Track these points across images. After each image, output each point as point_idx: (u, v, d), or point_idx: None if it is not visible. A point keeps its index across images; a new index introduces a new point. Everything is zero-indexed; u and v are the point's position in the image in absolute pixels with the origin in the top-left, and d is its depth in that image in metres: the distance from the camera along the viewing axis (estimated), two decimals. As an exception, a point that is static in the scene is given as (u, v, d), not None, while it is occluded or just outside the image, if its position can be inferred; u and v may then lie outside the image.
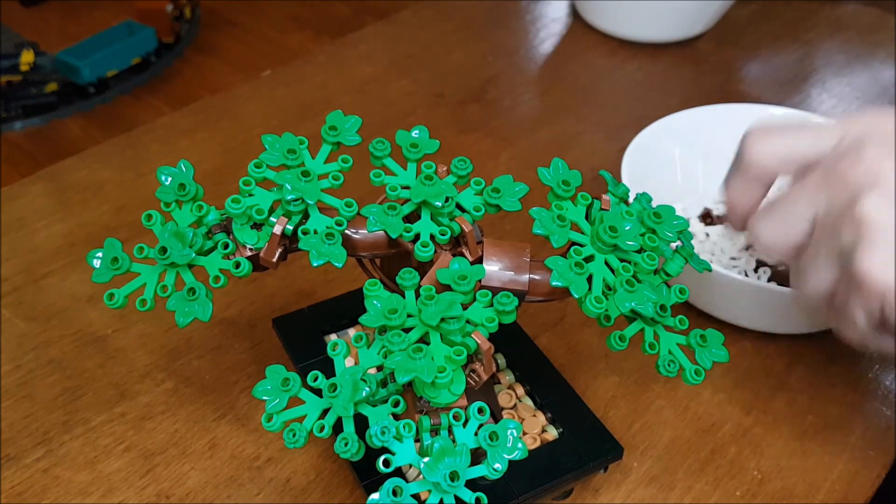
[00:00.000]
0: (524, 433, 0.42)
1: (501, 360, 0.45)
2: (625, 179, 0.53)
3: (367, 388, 0.32)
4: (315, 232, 0.35)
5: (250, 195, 0.36)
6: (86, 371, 0.49)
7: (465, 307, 0.34)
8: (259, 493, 0.43)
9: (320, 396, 0.32)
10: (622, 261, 0.36)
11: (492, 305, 0.34)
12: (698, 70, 0.79)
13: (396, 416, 0.32)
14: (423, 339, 0.33)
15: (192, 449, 0.45)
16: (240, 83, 0.76)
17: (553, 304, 0.54)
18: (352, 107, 0.72)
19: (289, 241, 0.36)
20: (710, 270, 0.40)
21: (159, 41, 1.40)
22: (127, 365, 0.50)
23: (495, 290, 0.35)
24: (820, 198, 0.37)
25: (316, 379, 0.33)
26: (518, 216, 0.60)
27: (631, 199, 0.39)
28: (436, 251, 0.36)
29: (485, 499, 0.31)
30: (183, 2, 1.47)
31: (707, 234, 0.57)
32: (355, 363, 0.33)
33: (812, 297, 0.39)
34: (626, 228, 0.36)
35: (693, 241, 0.47)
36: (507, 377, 0.45)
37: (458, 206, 0.37)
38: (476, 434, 0.32)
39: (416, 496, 0.31)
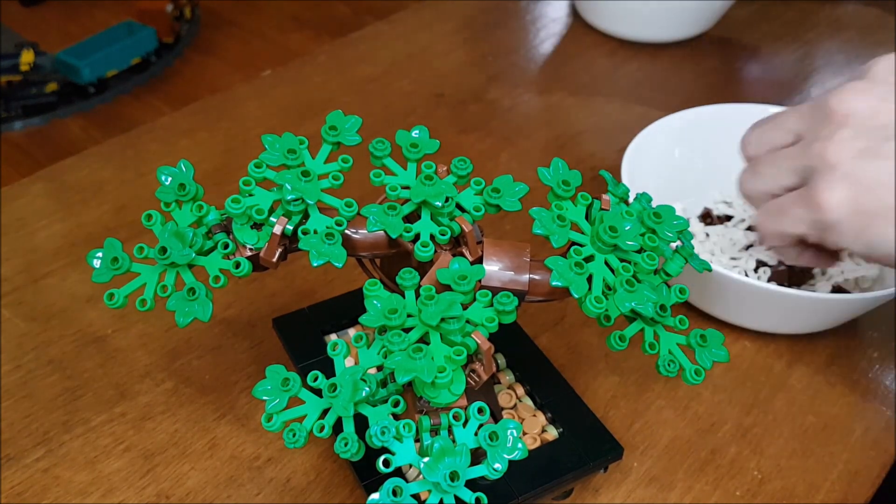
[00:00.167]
0: (524, 433, 0.42)
1: (501, 360, 0.45)
2: (625, 179, 0.53)
3: (367, 388, 0.32)
4: (315, 232, 0.35)
5: (250, 195, 0.36)
6: (86, 371, 0.49)
7: (465, 307, 0.34)
8: (259, 493, 0.43)
9: (320, 396, 0.32)
10: (622, 261, 0.36)
11: (492, 305, 0.34)
12: (698, 70, 0.79)
13: (396, 416, 0.32)
14: (423, 339, 0.33)
15: (192, 449, 0.45)
16: (240, 83, 0.76)
17: (553, 304, 0.54)
18: (352, 107, 0.72)
19: (289, 241, 0.36)
20: (710, 270, 0.40)
21: (159, 41, 1.40)
22: (127, 365, 0.50)
23: (495, 290, 0.35)
24: (804, 121, 0.43)
25: (316, 379, 0.33)
26: (518, 216, 0.60)
27: (631, 199, 0.39)
28: (436, 251, 0.36)
29: (485, 499, 0.31)
30: (183, 2, 1.47)
31: (707, 234, 0.57)
32: (355, 363, 0.33)
33: (758, 191, 0.44)
34: (626, 228, 0.36)
35: (693, 241, 0.47)
36: (507, 377, 0.45)
37: (458, 206, 0.37)
38: (476, 434, 0.32)
39: (416, 496, 0.31)
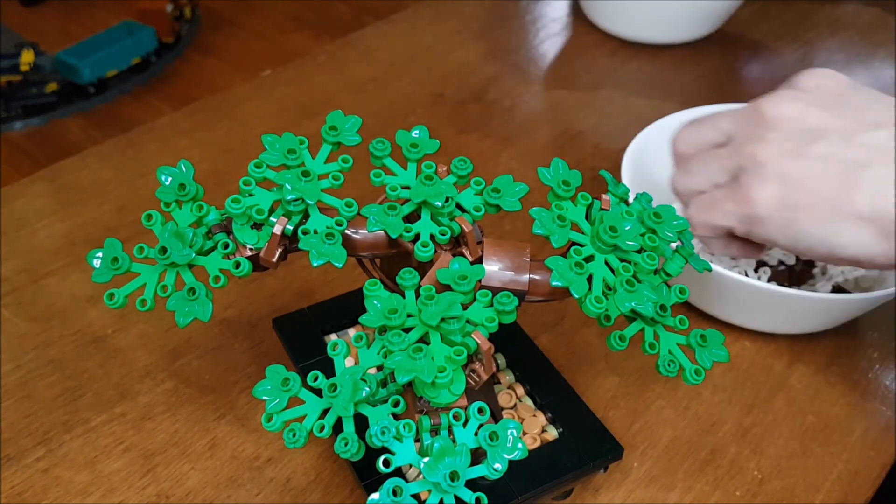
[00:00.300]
0: (524, 433, 0.42)
1: (501, 360, 0.45)
2: (625, 179, 0.53)
3: (367, 388, 0.32)
4: (315, 232, 0.35)
5: (250, 195, 0.36)
6: (86, 371, 0.49)
7: (465, 307, 0.34)
8: (259, 493, 0.43)
9: (320, 396, 0.32)
10: (622, 261, 0.36)
11: (492, 305, 0.34)
12: (698, 70, 0.79)
13: (396, 416, 0.32)
14: (423, 339, 0.33)
15: (192, 449, 0.45)
16: (240, 83, 0.76)
17: (553, 304, 0.54)
18: (352, 107, 0.72)
19: (289, 241, 0.36)
20: (710, 270, 0.40)
21: (159, 41, 1.40)
22: (127, 365, 0.50)
23: (495, 290, 0.35)
24: (737, 124, 0.46)
25: (316, 379, 0.33)
26: (518, 216, 0.60)
27: (631, 199, 0.39)
28: (436, 251, 0.36)
29: (485, 499, 0.31)
30: (183, 2, 1.47)
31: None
32: (355, 363, 0.33)
33: (689, 188, 0.47)
34: (626, 228, 0.36)
35: (693, 241, 0.47)
36: (507, 377, 0.45)
37: (458, 206, 0.37)
38: (476, 434, 0.32)
39: (416, 496, 0.31)
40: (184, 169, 0.37)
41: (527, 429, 0.42)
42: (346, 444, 0.31)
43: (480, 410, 0.32)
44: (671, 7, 0.78)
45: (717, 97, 0.75)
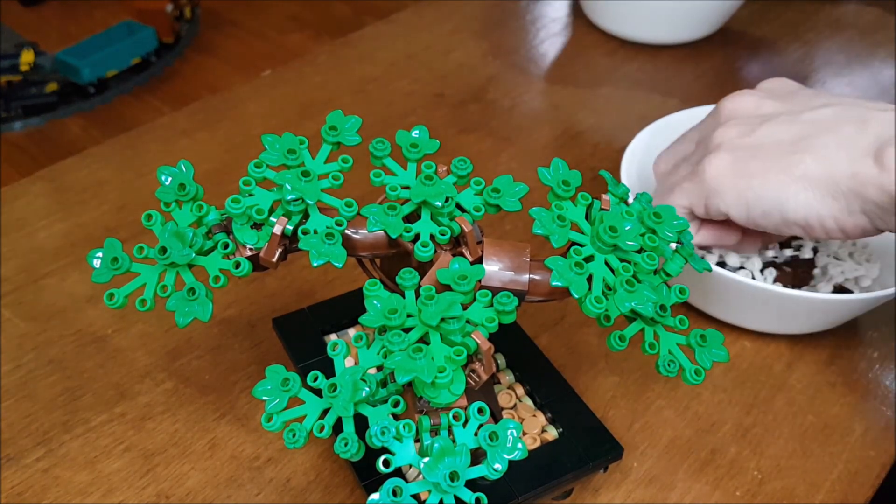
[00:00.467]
0: (524, 433, 0.42)
1: (501, 360, 0.45)
2: (624, 179, 0.53)
3: (367, 388, 0.32)
4: (315, 232, 0.35)
5: (250, 195, 0.36)
6: (86, 371, 0.49)
7: (465, 307, 0.34)
8: (259, 493, 0.43)
9: (320, 396, 0.32)
10: (622, 261, 0.36)
11: (492, 305, 0.34)
12: (698, 70, 0.79)
13: (396, 416, 0.32)
14: (423, 339, 0.33)
15: (192, 449, 0.45)
16: (240, 83, 0.76)
17: (553, 304, 0.54)
18: (352, 107, 0.72)
19: (289, 241, 0.36)
20: (710, 270, 0.40)
21: (159, 41, 1.40)
22: (127, 365, 0.50)
23: (495, 290, 0.35)
24: (702, 129, 0.50)
25: (316, 379, 0.33)
26: (518, 216, 0.60)
27: (631, 199, 0.39)
28: (436, 251, 0.36)
29: (485, 499, 0.31)
30: (183, 2, 1.47)
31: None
32: (355, 363, 0.33)
33: (661, 174, 0.51)
34: (626, 228, 0.36)
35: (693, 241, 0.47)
36: (507, 377, 0.45)
37: (458, 206, 0.37)
38: (476, 434, 0.32)
39: (416, 496, 0.31)
40: (184, 169, 0.37)
41: (527, 429, 0.42)
42: (346, 444, 0.31)
43: (480, 410, 0.32)
44: (671, 7, 0.78)
45: (717, 97, 0.74)
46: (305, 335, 0.46)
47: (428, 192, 0.36)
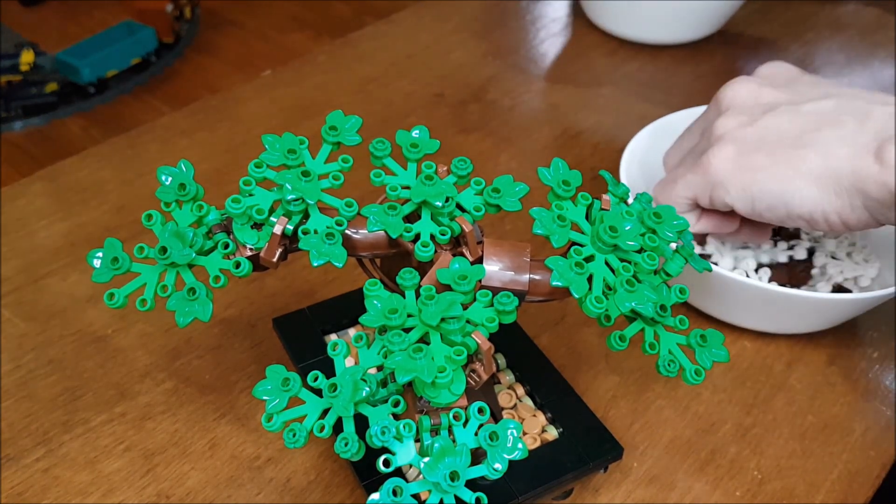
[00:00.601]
0: (524, 433, 0.42)
1: (501, 360, 0.45)
2: (625, 179, 0.53)
3: (367, 388, 0.32)
4: (315, 232, 0.35)
5: (250, 195, 0.36)
6: (86, 371, 0.49)
7: (465, 307, 0.34)
8: (259, 493, 0.43)
9: (320, 396, 0.32)
10: (622, 261, 0.36)
11: (492, 305, 0.34)
12: (698, 70, 0.79)
13: (396, 416, 0.32)
14: (423, 339, 0.33)
15: (192, 449, 0.45)
16: (240, 83, 0.76)
17: (553, 304, 0.54)
18: (352, 107, 0.72)
19: (289, 241, 0.36)
20: (710, 270, 0.40)
21: (159, 41, 1.40)
22: (127, 365, 0.50)
23: (495, 290, 0.35)
24: (704, 119, 0.51)
25: (316, 379, 0.33)
26: (518, 216, 0.60)
27: (631, 199, 0.39)
28: (436, 251, 0.36)
29: (485, 499, 0.31)
30: (183, 2, 1.47)
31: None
32: (355, 363, 0.33)
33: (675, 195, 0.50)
34: (626, 228, 0.36)
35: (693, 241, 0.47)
36: (507, 377, 0.45)
37: (458, 206, 0.37)
38: (476, 434, 0.32)
39: (416, 496, 0.31)
40: (184, 169, 0.37)
41: (527, 429, 0.42)
42: (346, 444, 0.31)
43: (480, 410, 0.32)
44: (671, 7, 0.78)
45: (717, 97, 0.74)
46: (305, 335, 0.46)
47: (428, 192, 0.36)
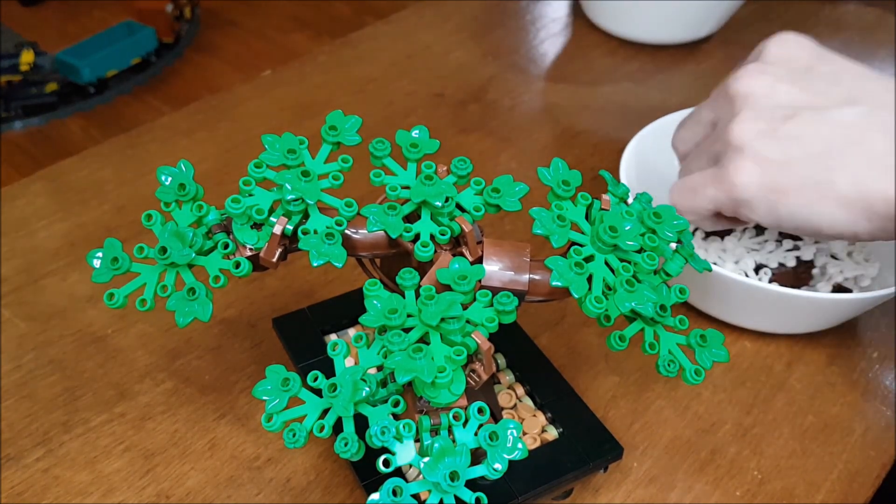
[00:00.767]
0: (524, 433, 0.42)
1: (501, 360, 0.45)
2: (624, 179, 0.53)
3: (367, 388, 0.32)
4: (315, 232, 0.35)
5: (250, 195, 0.36)
6: (86, 371, 0.49)
7: (465, 307, 0.34)
8: (259, 493, 0.43)
9: (320, 396, 0.32)
10: (622, 261, 0.36)
11: (492, 305, 0.34)
12: (698, 70, 0.79)
13: (396, 416, 0.32)
14: (423, 339, 0.33)
15: (192, 449, 0.45)
16: (240, 83, 0.76)
17: (553, 304, 0.54)
18: (352, 107, 0.72)
19: (289, 241, 0.36)
20: (710, 270, 0.40)
21: (159, 41, 1.40)
22: (127, 365, 0.50)
23: (495, 290, 0.35)
24: (714, 109, 0.47)
25: (316, 379, 0.33)
26: (518, 216, 0.60)
27: (631, 199, 0.39)
28: (436, 251, 0.36)
29: (485, 499, 0.31)
30: (183, 2, 1.47)
31: (705, 234, 0.57)
32: (355, 363, 0.33)
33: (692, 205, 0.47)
34: (626, 228, 0.36)
35: (693, 241, 0.47)
36: (507, 377, 0.45)
37: (458, 206, 0.37)
38: (476, 434, 0.32)
39: (416, 496, 0.31)
40: (184, 169, 0.37)
41: (527, 429, 0.42)
42: (346, 444, 0.31)
43: (480, 410, 0.32)
44: (671, 7, 0.78)
45: (717, 97, 0.74)
46: (305, 335, 0.46)
47: (428, 192, 0.36)
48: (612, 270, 0.36)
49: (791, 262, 0.54)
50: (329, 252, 0.34)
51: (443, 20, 0.85)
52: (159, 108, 1.33)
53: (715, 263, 0.52)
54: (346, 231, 0.37)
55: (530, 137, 0.70)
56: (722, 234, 0.56)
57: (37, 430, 0.46)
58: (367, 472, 0.38)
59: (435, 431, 0.33)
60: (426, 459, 0.31)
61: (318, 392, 0.33)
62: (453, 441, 0.32)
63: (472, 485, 0.31)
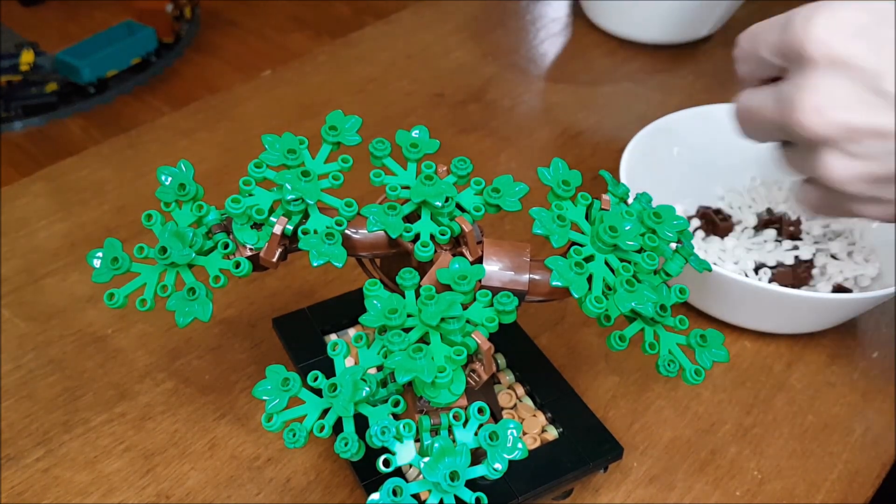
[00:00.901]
0: (524, 433, 0.42)
1: (501, 360, 0.45)
2: (625, 179, 0.53)
3: (367, 388, 0.32)
4: (315, 232, 0.35)
5: (250, 195, 0.36)
6: (86, 371, 0.49)
7: (465, 307, 0.34)
8: (259, 493, 0.43)
9: (320, 396, 0.32)
10: (622, 261, 0.36)
11: (492, 305, 0.34)
12: (698, 70, 0.79)
13: (396, 416, 0.32)
14: (423, 339, 0.33)
15: (192, 449, 0.45)
16: (240, 83, 0.76)
17: (553, 304, 0.54)
18: (352, 107, 0.72)
19: (289, 241, 0.36)
20: (710, 270, 0.40)
21: (159, 41, 1.40)
22: (127, 365, 0.50)
23: (495, 290, 0.35)
24: (783, 50, 0.39)
25: (316, 379, 0.33)
26: (518, 216, 0.60)
27: (631, 199, 0.39)
28: (436, 251, 0.36)
29: (485, 499, 0.31)
30: (183, 2, 1.47)
31: (705, 234, 0.57)
32: (355, 363, 0.33)
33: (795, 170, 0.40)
34: (626, 228, 0.36)
35: (693, 241, 0.47)
36: (507, 377, 0.45)
37: (458, 206, 0.37)
38: (476, 434, 0.32)
39: (416, 496, 0.31)
40: (184, 169, 0.37)
41: (527, 429, 0.42)
42: (346, 444, 0.31)
43: (480, 410, 0.32)
44: (671, 7, 0.78)
45: (717, 97, 0.74)
46: (305, 335, 0.46)
47: (428, 192, 0.36)
48: (612, 270, 0.36)
49: (790, 261, 0.54)
50: (329, 252, 0.34)
51: (442, 20, 0.85)
52: (159, 108, 1.33)
53: (715, 263, 0.52)
54: (346, 231, 0.37)
55: (530, 137, 0.70)
56: (722, 234, 0.56)
57: (37, 430, 0.46)
58: (367, 472, 0.38)
59: (435, 431, 0.33)
60: (426, 459, 0.31)
61: (318, 392, 0.33)
62: (453, 441, 0.32)
63: (472, 485, 0.31)
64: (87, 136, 1.27)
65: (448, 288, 0.34)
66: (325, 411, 0.32)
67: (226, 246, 0.36)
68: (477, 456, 0.32)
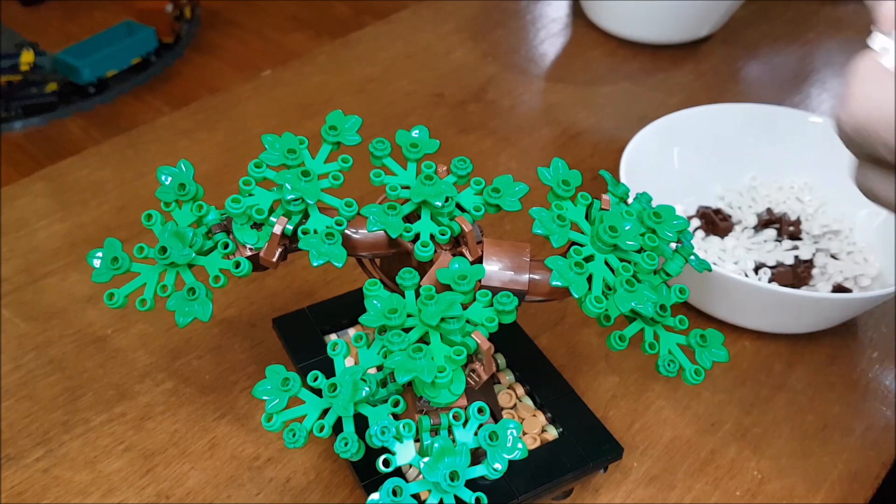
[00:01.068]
0: (524, 433, 0.42)
1: (501, 360, 0.45)
2: (624, 179, 0.53)
3: (367, 388, 0.32)
4: (315, 232, 0.35)
5: (250, 195, 0.36)
6: (86, 371, 0.49)
7: (465, 307, 0.34)
8: (259, 493, 0.43)
9: (320, 396, 0.32)
10: (622, 261, 0.36)
11: (492, 305, 0.34)
12: (698, 70, 0.79)
13: (396, 416, 0.32)
14: (423, 339, 0.33)
15: (192, 449, 0.45)
16: (240, 83, 0.76)
17: (553, 304, 0.54)
18: (352, 107, 0.72)
19: (289, 241, 0.36)
20: (710, 270, 0.40)
21: (159, 41, 1.40)
22: (127, 365, 0.50)
23: (495, 290, 0.35)
24: None
25: (316, 379, 0.33)
26: (518, 216, 0.60)
27: (631, 199, 0.39)
28: (436, 251, 0.36)
29: (485, 499, 0.31)
30: (183, 2, 1.47)
31: (704, 234, 0.57)
32: (355, 363, 0.33)
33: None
34: (626, 228, 0.36)
35: (693, 241, 0.47)
36: (507, 377, 0.45)
37: (458, 206, 0.37)
38: (476, 434, 0.32)
39: (416, 496, 0.31)
40: (184, 169, 0.37)
41: (527, 429, 0.42)
42: (346, 444, 0.31)
43: (480, 410, 0.32)
44: (671, 7, 0.78)
45: (717, 97, 0.75)
46: (305, 335, 0.46)
47: (428, 192, 0.36)
48: (612, 270, 0.36)
49: (790, 261, 0.54)
50: (329, 252, 0.34)
51: (442, 20, 0.85)
52: (159, 108, 1.33)
53: (715, 263, 0.52)
54: (346, 231, 0.37)
55: (530, 137, 0.70)
56: (722, 234, 0.56)
57: (37, 430, 0.46)
58: (367, 472, 0.38)
59: (435, 431, 0.33)
60: (426, 459, 0.31)
61: (318, 392, 0.33)
62: (453, 441, 0.32)
63: (472, 485, 0.31)
64: (87, 136, 1.27)
65: (448, 288, 0.34)
66: (325, 411, 0.32)
67: (226, 246, 0.36)
68: (477, 456, 0.32)
